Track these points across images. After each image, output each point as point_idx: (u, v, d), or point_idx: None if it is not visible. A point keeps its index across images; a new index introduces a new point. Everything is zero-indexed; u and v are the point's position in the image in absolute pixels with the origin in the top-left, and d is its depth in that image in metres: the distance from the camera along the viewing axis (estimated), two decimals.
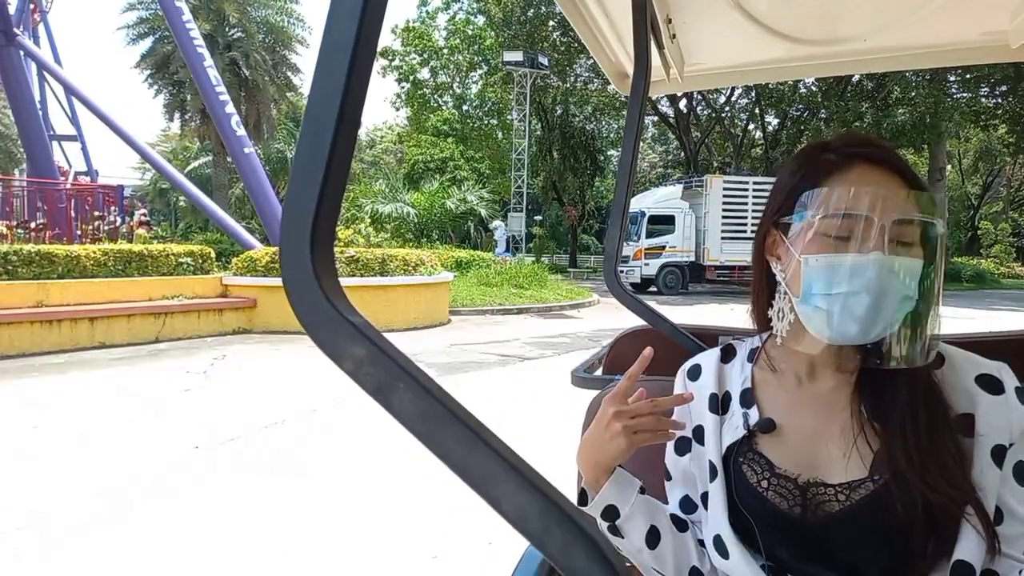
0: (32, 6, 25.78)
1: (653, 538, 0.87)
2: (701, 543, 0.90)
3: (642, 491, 0.88)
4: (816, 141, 0.85)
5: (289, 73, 28.80)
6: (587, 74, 29.42)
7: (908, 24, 1.61)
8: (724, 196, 19.85)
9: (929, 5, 1.51)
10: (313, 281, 0.41)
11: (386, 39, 35.18)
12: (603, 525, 0.88)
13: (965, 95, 25.93)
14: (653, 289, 19.82)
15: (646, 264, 19.67)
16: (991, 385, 0.78)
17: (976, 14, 1.57)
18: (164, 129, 42.66)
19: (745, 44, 1.79)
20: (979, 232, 34.71)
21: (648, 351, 0.83)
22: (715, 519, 0.86)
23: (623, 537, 0.87)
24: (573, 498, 1.14)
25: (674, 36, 1.71)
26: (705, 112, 31.10)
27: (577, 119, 32.79)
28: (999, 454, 0.74)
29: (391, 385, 0.39)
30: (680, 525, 0.91)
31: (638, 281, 19.51)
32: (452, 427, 0.39)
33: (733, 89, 27.73)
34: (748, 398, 0.89)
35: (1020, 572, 0.72)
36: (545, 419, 4.99)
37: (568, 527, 0.38)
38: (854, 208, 0.73)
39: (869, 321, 0.72)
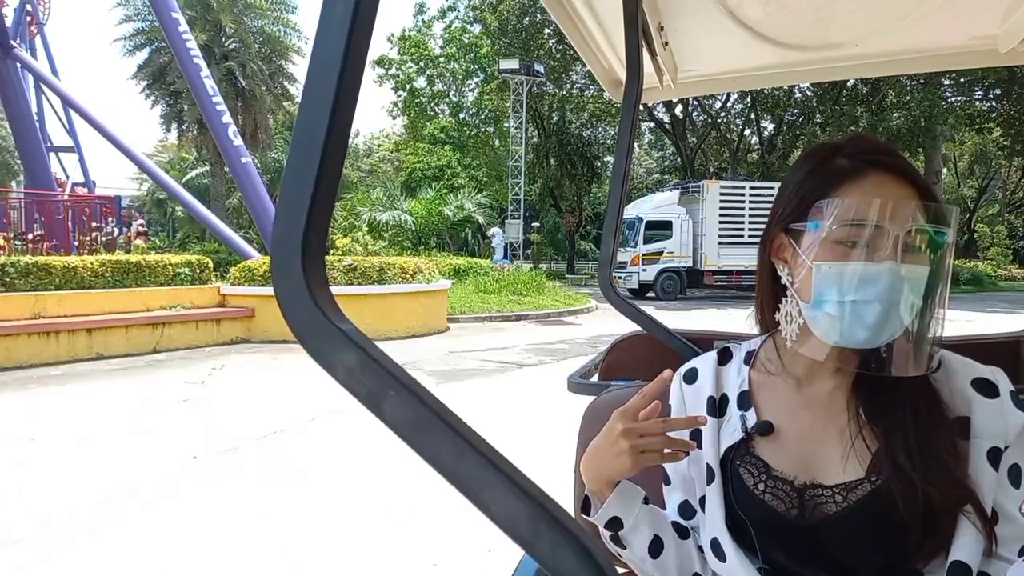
0: (29, 18, 25.89)
1: (656, 548, 0.87)
2: (702, 549, 0.90)
3: (646, 501, 0.87)
4: (826, 143, 0.85)
5: (286, 83, 28.84)
6: (583, 81, 29.54)
7: (899, 29, 1.63)
8: (721, 201, 19.89)
9: (920, 10, 1.52)
10: (304, 290, 0.41)
11: (383, 48, 35.37)
12: (606, 535, 0.87)
13: (960, 99, 26.05)
14: (651, 295, 19.82)
15: (644, 270, 19.68)
16: (986, 389, 0.78)
17: (966, 19, 1.58)
18: (161, 140, 42.59)
19: (737, 50, 1.81)
20: (975, 235, 34.77)
21: (667, 373, 0.82)
22: (712, 522, 0.86)
23: (626, 548, 0.87)
24: (569, 504, 1.14)
25: (667, 43, 1.72)
26: (701, 118, 31.22)
27: (574, 126, 32.90)
28: (995, 456, 0.75)
29: (382, 393, 0.40)
30: (682, 532, 0.91)
31: (636, 287, 19.51)
32: (442, 433, 0.39)
33: (729, 95, 27.87)
34: (745, 401, 0.89)
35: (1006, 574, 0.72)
36: (543, 425, 4.98)
37: (557, 531, 0.38)
38: (868, 217, 0.74)
39: (878, 328, 0.73)
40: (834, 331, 0.76)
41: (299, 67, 29.03)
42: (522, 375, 7.43)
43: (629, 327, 1.63)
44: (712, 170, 31.76)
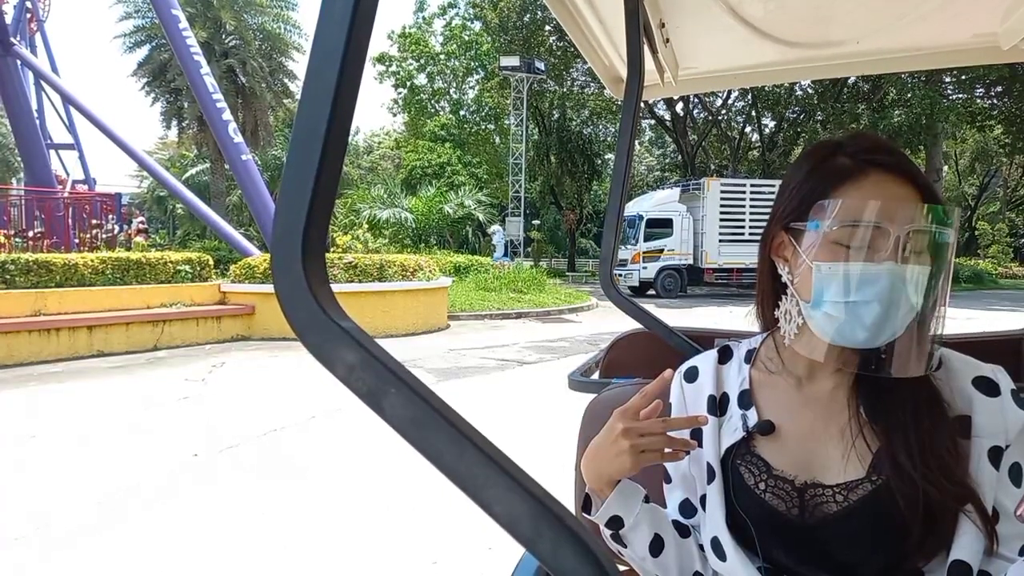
0: (29, 15, 25.88)
1: (657, 546, 0.87)
2: (703, 548, 0.90)
3: (647, 499, 0.87)
4: (827, 141, 0.84)
5: (286, 80, 28.82)
6: (583, 78, 29.53)
7: (900, 26, 1.62)
8: (722, 199, 19.89)
9: (921, 7, 1.52)
10: (305, 288, 0.41)
11: (383, 45, 35.37)
12: (607, 533, 0.87)
13: (961, 96, 26.06)
14: (652, 292, 19.82)
15: (644, 267, 19.68)
16: (987, 387, 0.78)
17: (967, 16, 1.57)
18: (161, 137, 42.63)
19: (738, 47, 1.80)
20: (976, 233, 34.78)
21: (668, 373, 0.82)
22: (713, 521, 0.86)
23: (627, 546, 0.87)
24: (570, 502, 1.14)
25: (667, 40, 1.72)
26: (702, 115, 31.19)
27: (574, 123, 32.88)
28: (995, 455, 0.75)
29: (382, 390, 0.40)
30: (683, 531, 0.91)
31: (636, 284, 19.51)
32: (443, 431, 0.39)
33: (729, 92, 27.85)
34: (746, 400, 0.89)
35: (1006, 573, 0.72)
36: (544, 423, 4.99)
37: (558, 529, 0.38)
38: (869, 218, 0.73)
39: (878, 328, 0.73)
40: (833, 331, 0.75)
41: (299, 64, 29.03)
42: (522, 373, 7.43)
43: (630, 325, 1.63)
44: (713, 168, 31.74)
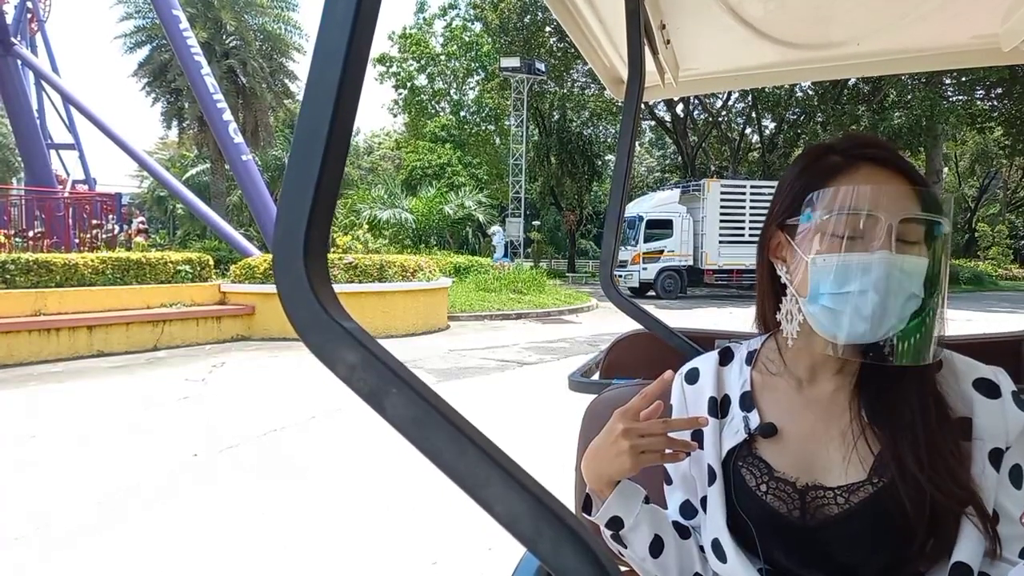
0: (29, 15, 25.91)
1: (657, 547, 0.87)
2: (703, 549, 0.90)
3: (647, 500, 0.87)
4: (820, 143, 0.85)
5: (286, 80, 28.82)
6: (584, 79, 29.55)
7: (901, 28, 1.62)
8: (722, 200, 19.88)
9: (921, 9, 1.52)
10: (307, 287, 0.41)
11: (383, 46, 35.39)
12: (607, 534, 0.87)
13: (961, 98, 26.03)
14: (652, 293, 19.82)
15: (644, 268, 19.68)
16: (988, 389, 0.78)
17: (968, 18, 1.58)
18: (162, 137, 42.69)
19: (739, 49, 1.80)
20: (976, 234, 34.78)
21: (668, 374, 0.82)
22: (714, 523, 0.86)
23: (627, 547, 0.87)
24: (570, 502, 1.14)
25: (668, 41, 1.72)
26: (702, 116, 31.20)
27: (574, 124, 32.90)
28: (996, 457, 0.75)
29: (384, 390, 0.40)
30: (683, 532, 0.91)
31: (636, 285, 19.51)
32: (444, 431, 0.39)
33: (730, 93, 27.86)
34: (748, 401, 0.88)
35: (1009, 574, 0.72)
36: (544, 424, 4.99)
37: (558, 528, 0.38)
38: (860, 207, 0.73)
39: (877, 320, 0.72)
40: (833, 325, 0.75)
41: (300, 65, 29.06)
42: (522, 373, 7.43)
43: (630, 325, 1.63)
44: (713, 169, 31.74)
